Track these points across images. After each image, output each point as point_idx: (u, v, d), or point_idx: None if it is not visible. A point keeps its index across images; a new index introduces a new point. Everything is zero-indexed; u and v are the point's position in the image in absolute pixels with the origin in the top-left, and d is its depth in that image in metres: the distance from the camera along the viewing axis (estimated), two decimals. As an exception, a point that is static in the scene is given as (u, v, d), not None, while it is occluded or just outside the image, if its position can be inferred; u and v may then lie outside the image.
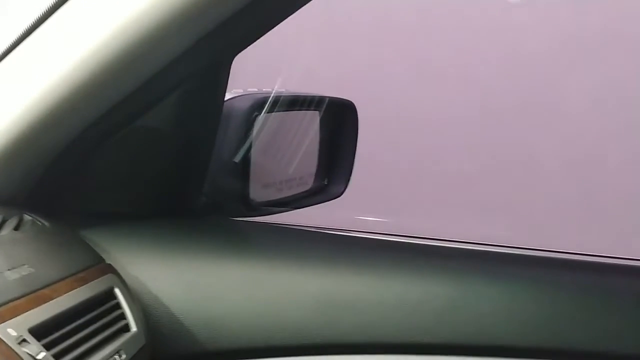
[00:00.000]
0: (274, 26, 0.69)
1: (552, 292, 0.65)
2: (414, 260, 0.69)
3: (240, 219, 0.82)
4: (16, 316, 0.51)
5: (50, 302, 0.55)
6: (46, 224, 0.68)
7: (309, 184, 0.98)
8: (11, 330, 0.49)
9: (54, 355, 0.51)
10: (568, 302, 0.64)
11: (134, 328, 0.63)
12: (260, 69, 1.21)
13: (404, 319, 0.64)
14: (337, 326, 0.65)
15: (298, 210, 0.88)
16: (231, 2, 0.62)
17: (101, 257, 0.68)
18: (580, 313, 0.63)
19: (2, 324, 0.49)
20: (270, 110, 0.87)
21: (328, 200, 0.98)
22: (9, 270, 0.55)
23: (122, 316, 0.63)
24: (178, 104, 0.71)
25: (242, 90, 0.85)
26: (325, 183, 0.99)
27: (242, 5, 0.62)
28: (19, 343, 0.49)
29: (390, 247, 0.75)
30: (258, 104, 0.84)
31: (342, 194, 0.99)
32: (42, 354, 0.50)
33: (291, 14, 0.69)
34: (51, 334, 0.53)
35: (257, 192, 0.88)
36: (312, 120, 0.96)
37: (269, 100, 0.86)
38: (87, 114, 0.67)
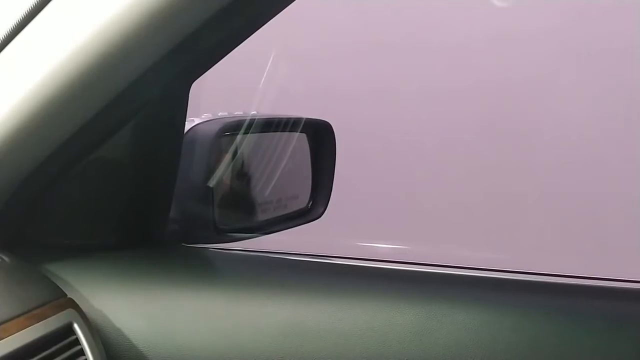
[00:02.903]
0: (232, 50, 0.68)
1: (520, 317, 0.63)
2: (380, 286, 0.67)
3: (209, 246, 0.80)
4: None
5: (-1, 342, 0.54)
6: (5, 258, 0.67)
7: (286, 206, 0.96)
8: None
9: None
10: (538, 327, 0.62)
11: None
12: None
13: (369, 347, 0.62)
14: (302, 356, 0.63)
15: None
16: (187, 22, 0.61)
17: (62, 291, 0.66)
18: (550, 337, 0.61)
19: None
20: (241, 134, 0.86)
21: (307, 222, 0.96)
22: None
23: (81, 352, 0.62)
24: (136, 133, 0.70)
25: (211, 115, 0.83)
26: (309, 206, 0.98)
27: (197, 25, 0.61)
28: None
29: (356, 273, 0.73)
30: (228, 128, 0.83)
31: (321, 215, 0.98)
32: None
33: (251, 34, 0.68)
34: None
35: (230, 218, 0.86)
36: (287, 142, 0.95)
37: (240, 124, 0.85)
38: (45, 144, 0.66)
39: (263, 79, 1.60)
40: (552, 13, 1.77)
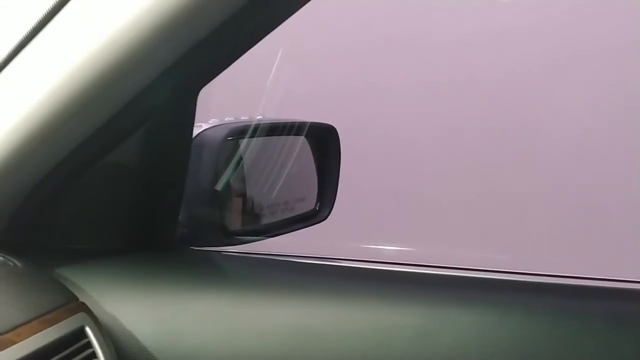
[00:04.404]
0: (239, 57, 0.69)
1: (524, 318, 0.64)
2: (385, 288, 0.68)
3: (218, 249, 0.81)
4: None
5: (13, 346, 0.55)
6: (18, 263, 0.68)
7: (293, 209, 0.97)
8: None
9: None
10: (541, 328, 0.63)
11: None
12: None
13: (375, 348, 0.63)
14: (308, 357, 0.64)
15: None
16: (196, 31, 0.62)
17: (74, 295, 0.67)
18: (553, 338, 0.62)
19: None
20: (248, 138, 0.87)
21: (312, 225, 0.97)
22: (-29, 316, 0.55)
23: (93, 355, 0.63)
24: (146, 138, 0.71)
25: (218, 120, 0.84)
26: (316, 209, 0.99)
27: (205, 34, 0.62)
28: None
29: (362, 275, 0.75)
30: (235, 133, 0.84)
31: (326, 217, 0.99)
32: None
33: (257, 42, 0.69)
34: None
35: (238, 221, 0.87)
36: (293, 146, 0.96)
37: (247, 128, 0.86)
38: (56, 151, 0.67)
39: (265, 80, 1.61)
40: (552, 10, 1.77)
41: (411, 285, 0.69)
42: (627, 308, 0.67)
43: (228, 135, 0.82)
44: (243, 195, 0.89)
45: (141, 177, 0.74)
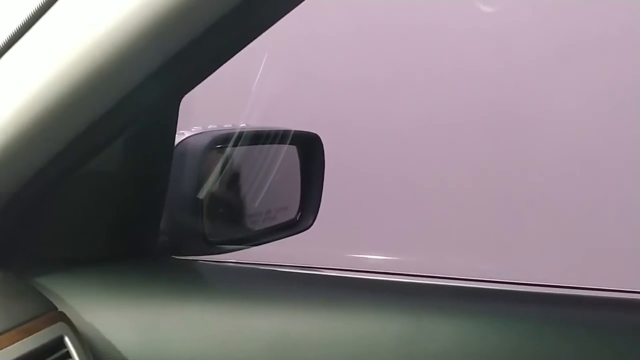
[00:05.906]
0: (223, 63, 0.68)
1: (506, 327, 0.64)
2: (369, 297, 0.68)
3: (200, 257, 0.81)
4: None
5: (-10, 356, 0.54)
6: (-5, 272, 0.67)
7: (276, 218, 0.97)
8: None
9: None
10: (523, 337, 0.63)
11: None
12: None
13: (358, 357, 0.63)
14: None
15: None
16: (179, 38, 0.61)
17: (53, 304, 0.66)
18: (535, 347, 0.62)
19: None
20: (231, 146, 0.86)
21: (296, 234, 0.97)
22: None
23: (72, 365, 0.62)
24: (128, 145, 0.71)
25: (201, 128, 0.84)
26: (297, 218, 0.98)
27: (189, 41, 0.61)
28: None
29: (345, 284, 0.74)
30: (218, 141, 0.84)
31: (310, 226, 0.98)
32: None
33: (243, 48, 0.69)
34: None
35: (220, 230, 0.87)
36: (277, 154, 0.96)
37: (230, 136, 0.86)
38: (36, 158, 0.66)
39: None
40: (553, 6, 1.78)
41: (396, 295, 0.69)
42: (608, 316, 0.67)
43: (211, 143, 0.81)
44: (225, 204, 0.89)
45: (122, 184, 0.73)
